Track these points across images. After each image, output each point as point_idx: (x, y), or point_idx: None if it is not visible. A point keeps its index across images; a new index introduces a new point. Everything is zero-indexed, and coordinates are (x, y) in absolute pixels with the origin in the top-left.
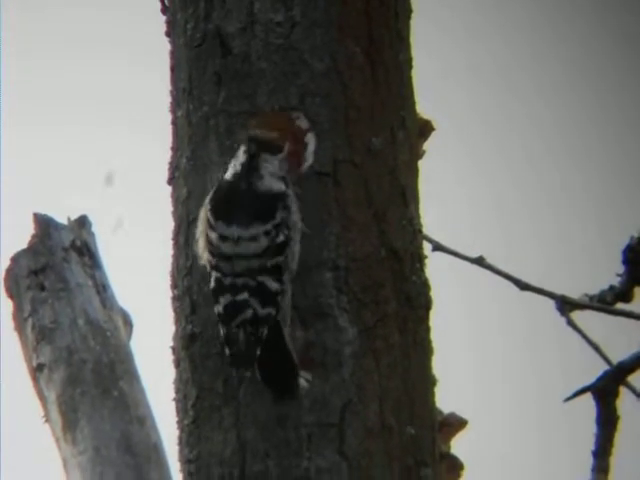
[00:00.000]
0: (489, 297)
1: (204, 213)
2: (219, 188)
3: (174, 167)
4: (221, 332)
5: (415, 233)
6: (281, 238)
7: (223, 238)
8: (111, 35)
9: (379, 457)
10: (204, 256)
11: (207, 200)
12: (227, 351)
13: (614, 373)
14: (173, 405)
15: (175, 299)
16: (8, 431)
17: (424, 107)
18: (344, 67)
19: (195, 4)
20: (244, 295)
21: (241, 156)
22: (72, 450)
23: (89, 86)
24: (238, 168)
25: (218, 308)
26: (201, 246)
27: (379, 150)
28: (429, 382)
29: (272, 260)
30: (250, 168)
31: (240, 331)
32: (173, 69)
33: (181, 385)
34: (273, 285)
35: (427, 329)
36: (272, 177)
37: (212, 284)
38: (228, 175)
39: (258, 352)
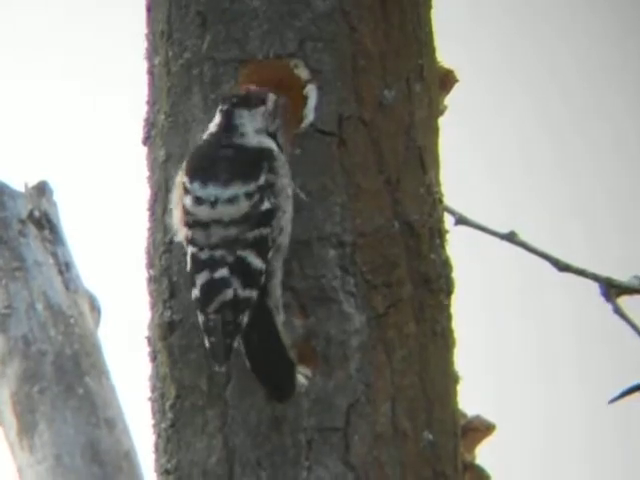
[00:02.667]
0: (522, 280)
1: (179, 177)
2: (196, 149)
3: (150, 124)
4: (199, 320)
5: (434, 203)
6: (266, 206)
7: (198, 201)
8: None
9: (391, 467)
10: (180, 231)
11: (184, 163)
12: (206, 342)
13: None
14: (148, 406)
15: (151, 280)
16: None
17: (446, 54)
18: (351, 6)
19: None
20: (223, 271)
21: (216, 116)
22: (29, 458)
23: (53, 24)
24: (213, 130)
25: (195, 292)
26: (177, 218)
27: (392, 105)
28: (450, 379)
29: (254, 231)
30: (227, 128)
31: (218, 318)
32: (149, 9)
33: (158, 382)
34: (255, 262)
35: (448, 317)
36: (257, 135)
37: (188, 263)
38: (205, 136)
39: (235, 343)
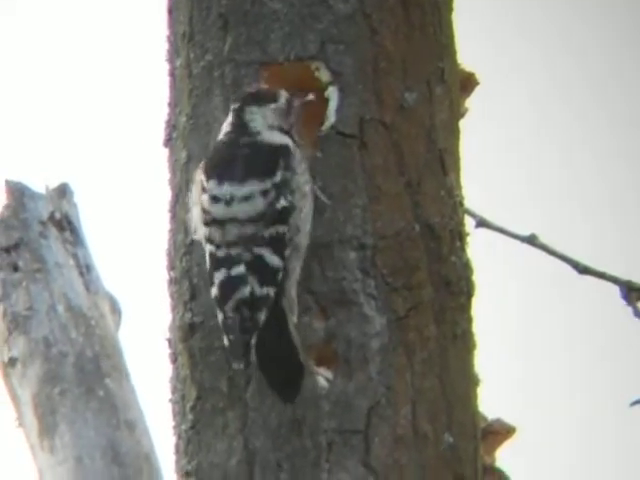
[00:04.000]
0: (542, 282)
1: (198, 177)
2: (214, 148)
3: (171, 126)
4: (218, 318)
5: (455, 206)
6: (282, 203)
7: (214, 199)
8: None
9: (411, 470)
10: (199, 229)
11: (202, 162)
12: (225, 340)
13: None
14: (169, 407)
15: (172, 282)
16: None
17: (466, 57)
18: (372, 9)
19: None
20: (240, 269)
21: (229, 115)
22: (50, 459)
23: (76, 21)
24: (227, 128)
25: (214, 290)
26: (196, 216)
27: (413, 107)
28: (471, 382)
29: (270, 229)
30: (238, 126)
31: (237, 316)
32: (171, 11)
33: (178, 384)
34: (273, 260)
35: (469, 319)
36: (270, 131)
37: (207, 261)
38: (221, 136)
39: (253, 341)
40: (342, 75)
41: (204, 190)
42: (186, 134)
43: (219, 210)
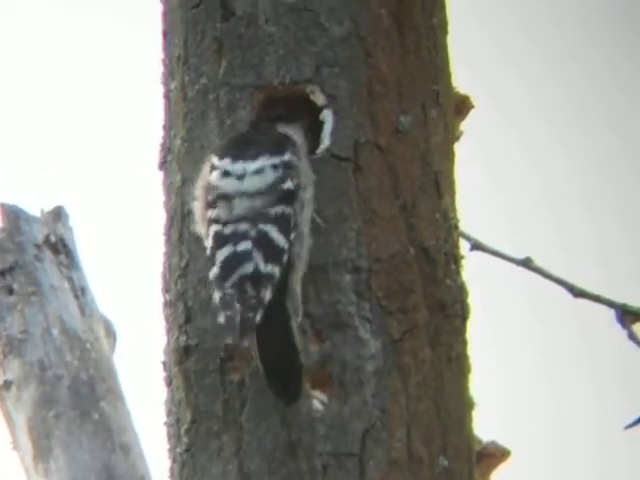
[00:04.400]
0: (537, 305)
1: (207, 164)
2: (228, 138)
3: (166, 149)
4: (215, 297)
5: (450, 229)
6: (288, 185)
7: (225, 174)
8: None
9: None
10: (201, 220)
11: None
12: (221, 318)
13: None
14: (164, 430)
15: (167, 305)
16: None
17: (461, 80)
18: (367, 31)
19: None
20: (247, 244)
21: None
22: None
23: (71, 46)
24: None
25: (214, 270)
26: (198, 208)
27: (408, 130)
28: (465, 405)
29: (276, 207)
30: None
31: (236, 292)
32: (165, 33)
33: (173, 407)
34: (278, 238)
35: (464, 342)
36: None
37: (210, 243)
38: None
39: (258, 318)
40: (337, 98)
41: (214, 168)
42: (181, 157)
43: (230, 184)
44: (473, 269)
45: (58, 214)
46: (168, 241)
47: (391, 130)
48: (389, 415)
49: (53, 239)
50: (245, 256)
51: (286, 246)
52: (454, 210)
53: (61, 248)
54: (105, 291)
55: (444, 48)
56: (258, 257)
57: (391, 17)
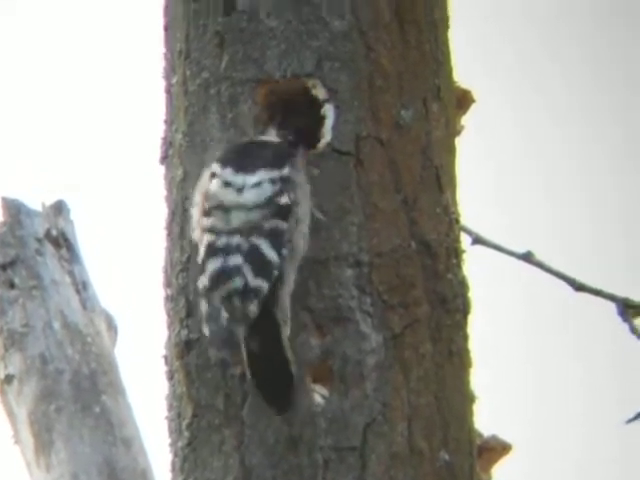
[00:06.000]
0: (538, 299)
1: (208, 172)
2: (235, 144)
3: (167, 143)
4: (202, 309)
5: (451, 223)
6: (285, 200)
7: (226, 184)
8: None
9: None
10: (197, 227)
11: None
12: (205, 330)
13: None
14: (165, 424)
15: (168, 300)
16: None
17: (463, 75)
18: (368, 26)
19: None
20: (237, 259)
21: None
22: (46, 477)
23: (72, 40)
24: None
25: (203, 280)
26: (195, 215)
27: (409, 125)
28: (467, 399)
29: (271, 221)
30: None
31: (224, 306)
32: (167, 28)
33: (175, 401)
34: (270, 253)
35: (465, 337)
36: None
37: (201, 253)
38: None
39: (243, 333)
40: (338, 92)
41: (215, 176)
42: (182, 151)
43: (228, 195)
44: (474, 263)
45: (59, 208)
46: (169, 235)
47: (392, 124)
48: (390, 409)
49: (54, 233)
50: (235, 270)
51: (277, 261)
52: (455, 204)
53: (62, 242)
54: (106, 285)
55: (445, 43)
56: (248, 271)
57: (392, 11)
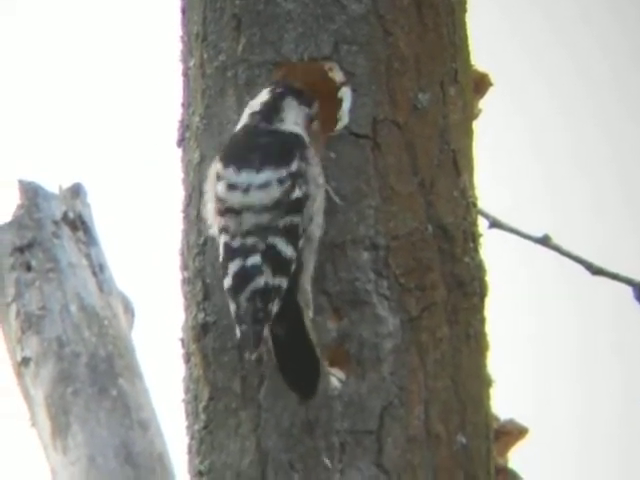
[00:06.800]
0: (555, 283)
1: (213, 169)
2: (234, 135)
3: (184, 126)
4: (231, 309)
5: (468, 207)
6: (297, 194)
7: (231, 187)
8: None
9: (424, 471)
10: (214, 224)
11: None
12: (237, 331)
13: None
14: (182, 407)
15: (185, 282)
16: None
17: (480, 58)
18: (386, 9)
19: None
20: (256, 259)
21: (264, 95)
22: (62, 459)
23: (89, 22)
24: (256, 108)
25: (227, 281)
26: (210, 212)
27: (426, 108)
28: (483, 383)
29: (285, 218)
30: (272, 109)
31: (250, 306)
32: (184, 11)
33: (191, 384)
34: (286, 250)
35: (482, 320)
36: (295, 126)
37: (221, 253)
38: (244, 117)
39: (265, 331)
40: (355, 75)
41: (220, 177)
42: (199, 134)
43: (235, 198)
44: (491, 247)
45: (76, 191)
46: (186, 218)
47: (409, 108)
48: (407, 392)
49: (71, 216)
50: (255, 270)
51: (294, 255)
52: (472, 188)
53: (79, 225)
54: (123, 268)
55: (463, 26)
56: (267, 271)
57: None
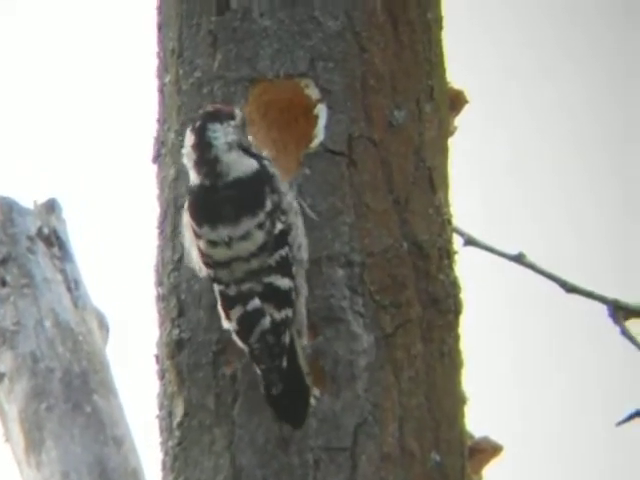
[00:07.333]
0: (529, 301)
1: (186, 218)
2: (193, 195)
3: (160, 143)
4: (244, 349)
5: (443, 224)
6: (279, 227)
7: (212, 244)
8: None
9: None
10: (202, 269)
11: (185, 205)
12: (257, 371)
13: None
14: (156, 424)
15: (160, 299)
16: None
17: (456, 75)
18: (362, 26)
19: None
20: (255, 303)
21: (189, 137)
22: (36, 475)
23: (66, 40)
24: (193, 157)
25: (233, 325)
26: (195, 258)
27: (402, 125)
28: (458, 400)
29: (275, 255)
30: (202, 145)
31: (262, 345)
32: (160, 27)
33: (166, 400)
34: (284, 282)
35: (456, 337)
36: (232, 150)
37: (218, 300)
38: (192, 177)
39: (285, 363)
40: (331, 92)
41: (198, 236)
42: (175, 151)
43: (221, 253)
44: (466, 264)
45: (51, 206)
46: (161, 234)
47: (385, 125)
48: (381, 410)
49: (46, 231)
50: (258, 314)
51: (292, 284)
52: (447, 205)
53: (54, 240)
54: (98, 284)
55: (439, 43)
56: (270, 308)
57: (386, 12)
